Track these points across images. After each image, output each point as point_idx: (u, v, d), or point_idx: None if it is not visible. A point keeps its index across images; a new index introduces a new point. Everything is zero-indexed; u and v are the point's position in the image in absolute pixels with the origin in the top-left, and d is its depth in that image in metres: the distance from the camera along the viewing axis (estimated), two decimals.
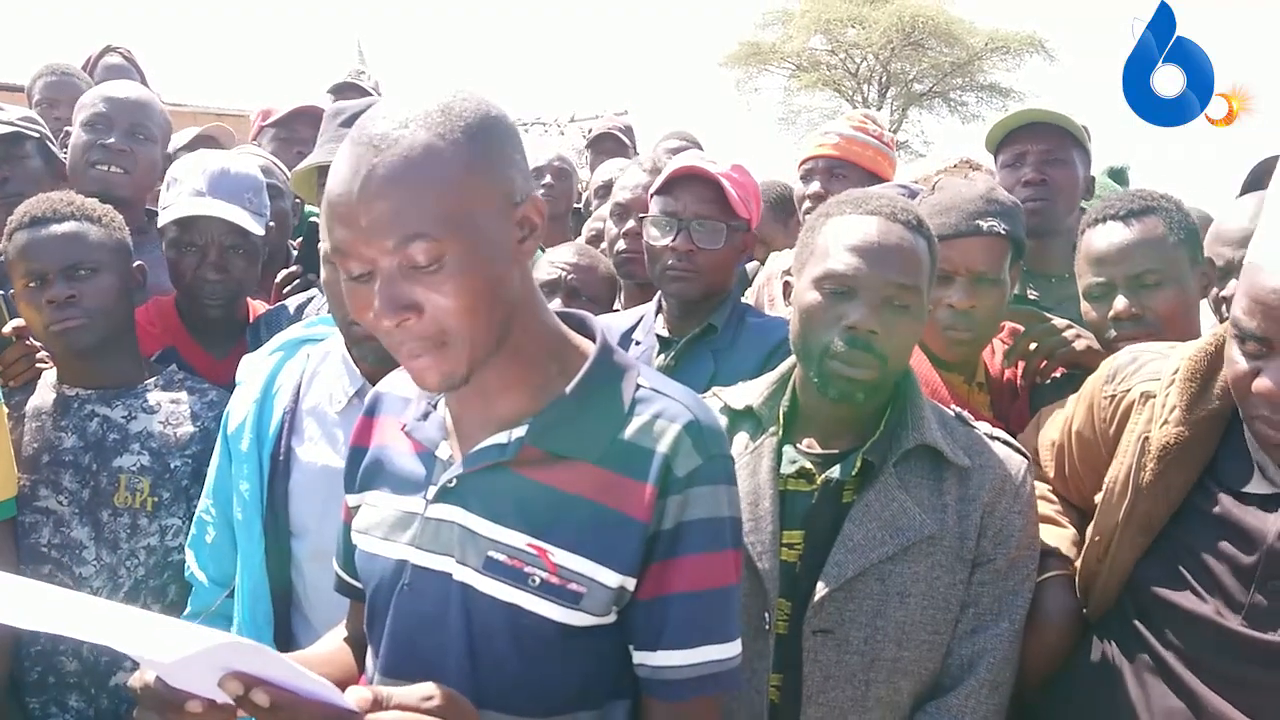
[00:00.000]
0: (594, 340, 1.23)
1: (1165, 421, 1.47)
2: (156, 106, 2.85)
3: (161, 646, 0.93)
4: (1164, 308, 1.86)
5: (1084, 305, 1.97)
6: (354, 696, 1.02)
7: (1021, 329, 2.10)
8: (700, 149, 3.33)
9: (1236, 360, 1.36)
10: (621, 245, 2.59)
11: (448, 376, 1.11)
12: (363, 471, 1.31)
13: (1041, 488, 1.74)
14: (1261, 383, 1.32)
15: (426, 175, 1.05)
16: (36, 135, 2.75)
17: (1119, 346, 1.83)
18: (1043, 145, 2.50)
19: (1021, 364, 2.09)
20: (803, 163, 3.05)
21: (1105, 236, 1.92)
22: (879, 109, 27.48)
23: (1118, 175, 3.75)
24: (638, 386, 1.19)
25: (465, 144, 1.07)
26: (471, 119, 1.09)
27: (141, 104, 2.78)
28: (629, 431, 1.16)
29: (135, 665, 1.90)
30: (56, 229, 2.00)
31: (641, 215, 2.31)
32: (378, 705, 1.02)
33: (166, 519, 2.01)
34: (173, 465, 2.02)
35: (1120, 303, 1.87)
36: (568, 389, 1.18)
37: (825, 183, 2.91)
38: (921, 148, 27.81)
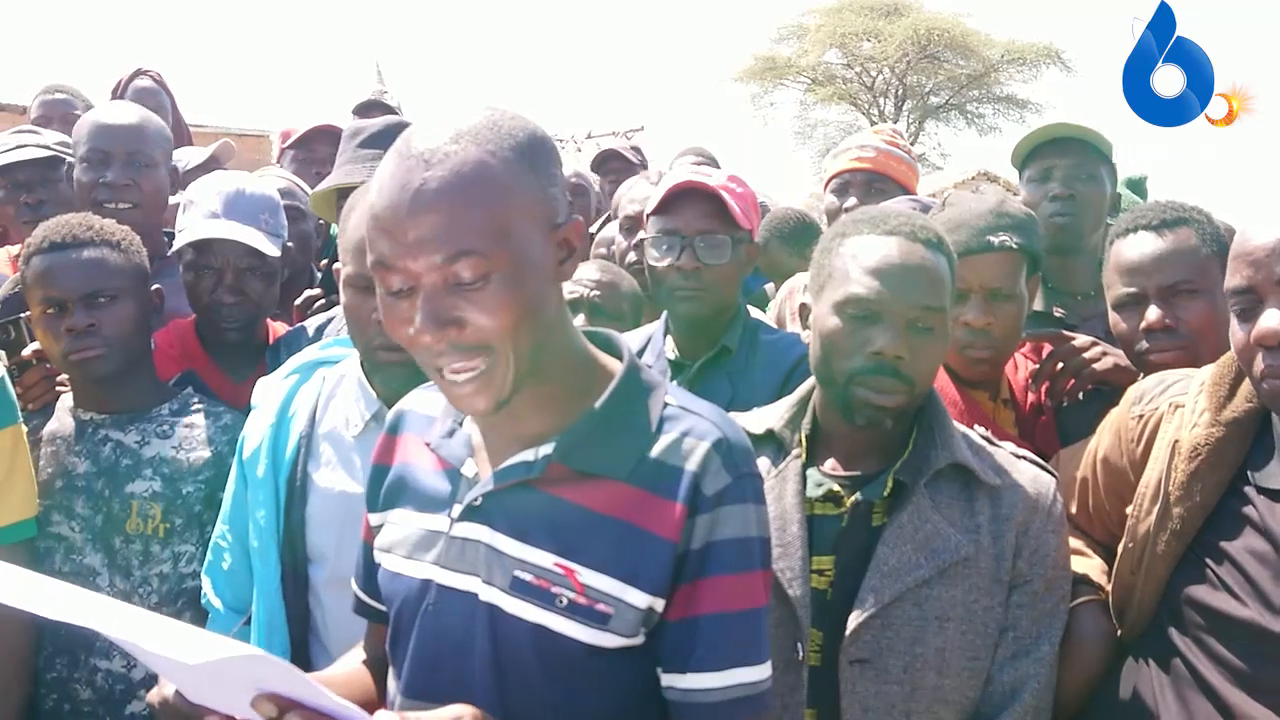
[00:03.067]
0: (621, 359, 1.22)
1: (1195, 425, 1.47)
2: (151, 126, 2.74)
3: (191, 651, 0.91)
4: (1196, 320, 1.82)
5: (1113, 316, 1.94)
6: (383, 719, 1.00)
7: (1048, 348, 2.07)
8: (718, 166, 3.31)
9: (1237, 331, 1.40)
10: (632, 258, 2.57)
11: (495, 399, 1.10)
12: (386, 489, 1.29)
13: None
14: (1258, 330, 1.35)
15: (477, 191, 1.05)
16: (71, 159, 2.75)
17: (1150, 359, 1.82)
18: (1070, 160, 2.47)
19: (1047, 384, 2.06)
20: (836, 175, 3.01)
21: (1137, 246, 1.88)
22: (895, 122, 27.49)
23: (1136, 186, 3.70)
24: (665, 404, 1.18)
25: (514, 162, 1.08)
26: (520, 137, 1.09)
27: (135, 129, 2.67)
28: (657, 449, 1.14)
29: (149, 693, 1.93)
30: (76, 255, 1.98)
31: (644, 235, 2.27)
32: None
33: (179, 545, 1.99)
34: (185, 491, 2.00)
35: (1153, 313, 1.83)
36: (595, 406, 1.16)
37: (863, 197, 2.86)
38: (939, 160, 27.80)
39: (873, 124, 23.24)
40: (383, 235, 1.06)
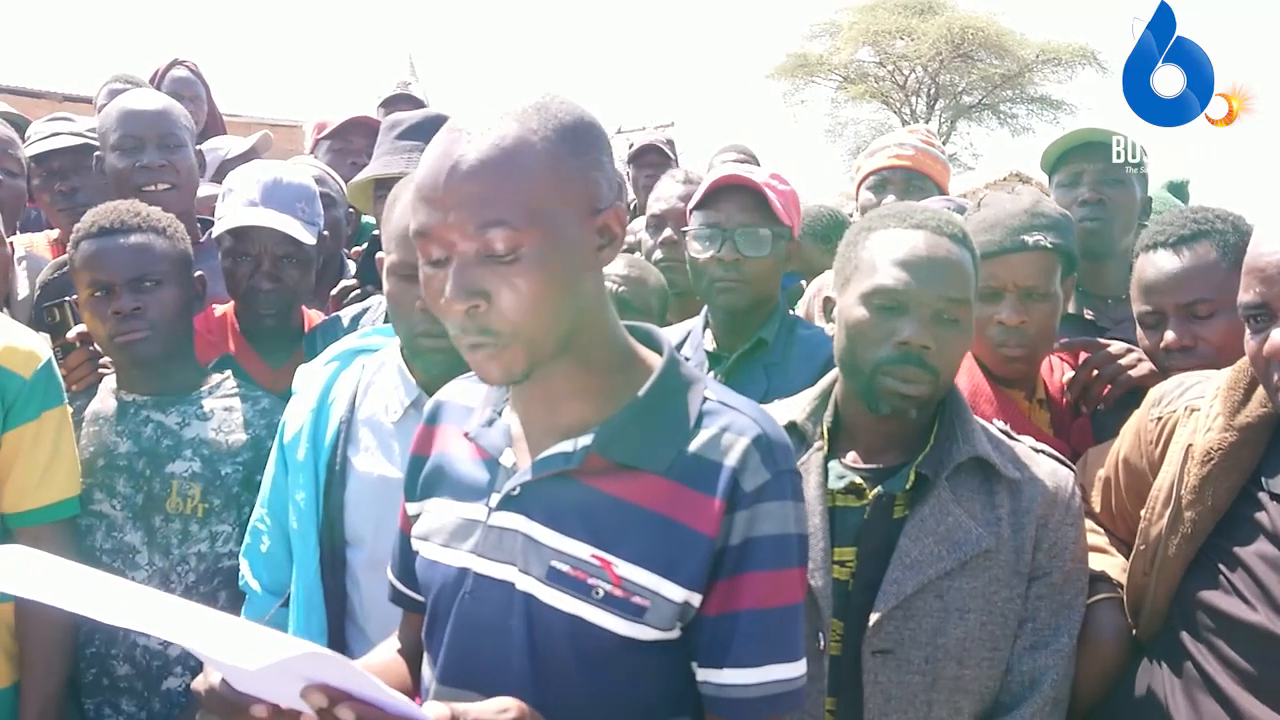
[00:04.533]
0: (661, 353, 1.23)
1: (1209, 429, 1.47)
2: (176, 110, 2.79)
3: (246, 653, 0.91)
4: (1216, 337, 1.79)
5: (1139, 332, 1.94)
6: (433, 712, 1.01)
7: (1084, 356, 2.06)
8: (758, 163, 3.31)
9: (1250, 341, 1.41)
10: (659, 254, 2.59)
11: (507, 369, 1.11)
12: (424, 479, 1.30)
13: (1088, 520, 1.72)
14: (1271, 344, 1.35)
15: (514, 165, 1.06)
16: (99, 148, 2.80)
17: (1174, 374, 1.80)
18: (1100, 165, 2.45)
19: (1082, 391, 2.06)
20: (874, 172, 3.01)
21: (1155, 265, 1.86)
22: (927, 121, 27.28)
23: (1177, 190, 3.66)
24: (704, 399, 1.18)
25: (556, 142, 1.09)
26: (565, 120, 1.10)
27: (163, 113, 2.72)
28: (696, 444, 1.15)
29: (185, 670, 1.96)
30: (124, 240, 2.03)
31: (683, 230, 2.29)
32: None
33: (217, 525, 2.03)
34: (224, 472, 2.04)
35: (1169, 336, 1.82)
36: (635, 399, 1.17)
37: (902, 194, 2.86)
38: (970, 160, 27.54)
39: (904, 123, 23.08)
40: (423, 203, 1.08)
